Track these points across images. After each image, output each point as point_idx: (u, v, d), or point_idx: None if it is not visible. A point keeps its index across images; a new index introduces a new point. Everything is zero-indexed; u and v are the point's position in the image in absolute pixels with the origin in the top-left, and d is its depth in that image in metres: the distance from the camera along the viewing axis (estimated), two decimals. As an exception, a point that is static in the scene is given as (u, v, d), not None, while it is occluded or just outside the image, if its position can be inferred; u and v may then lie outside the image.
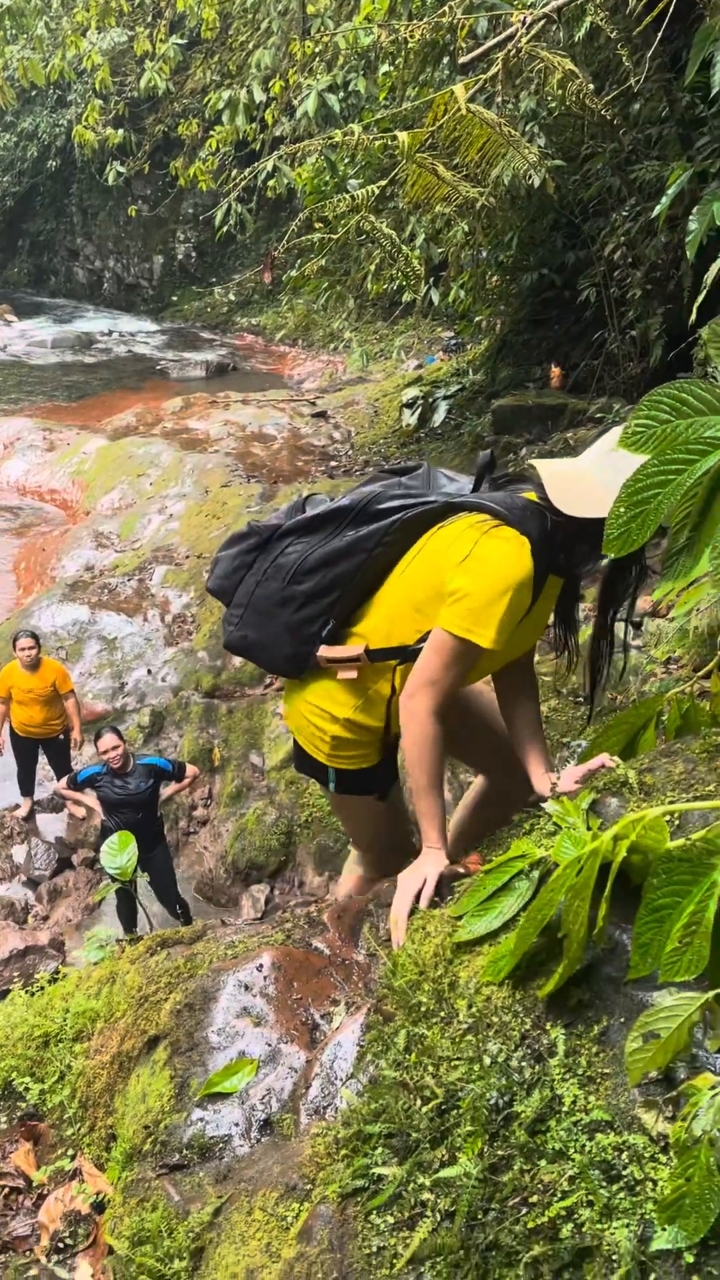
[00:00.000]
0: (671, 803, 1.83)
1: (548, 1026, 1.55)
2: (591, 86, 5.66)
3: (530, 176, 6.43)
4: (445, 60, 7.81)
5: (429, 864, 2.21)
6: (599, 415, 8.88)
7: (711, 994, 1.37)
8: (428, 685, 2.20)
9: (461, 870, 2.19)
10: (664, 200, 5.29)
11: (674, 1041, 1.37)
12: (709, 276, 4.18)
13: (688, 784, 1.86)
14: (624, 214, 8.66)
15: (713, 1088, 1.32)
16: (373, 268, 7.33)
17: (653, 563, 2.29)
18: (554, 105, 8.00)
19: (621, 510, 1.75)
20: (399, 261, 5.58)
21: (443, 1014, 1.69)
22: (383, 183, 5.05)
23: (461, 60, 5.37)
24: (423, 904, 2.11)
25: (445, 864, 2.21)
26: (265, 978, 2.14)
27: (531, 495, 2.31)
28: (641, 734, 2.41)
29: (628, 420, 1.78)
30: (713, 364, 5.35)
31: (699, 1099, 1.32)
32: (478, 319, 11.12)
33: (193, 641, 9.06)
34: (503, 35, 4.99)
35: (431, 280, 8.37)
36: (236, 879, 7.43)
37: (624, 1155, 1.35)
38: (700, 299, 5.13)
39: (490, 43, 5.19)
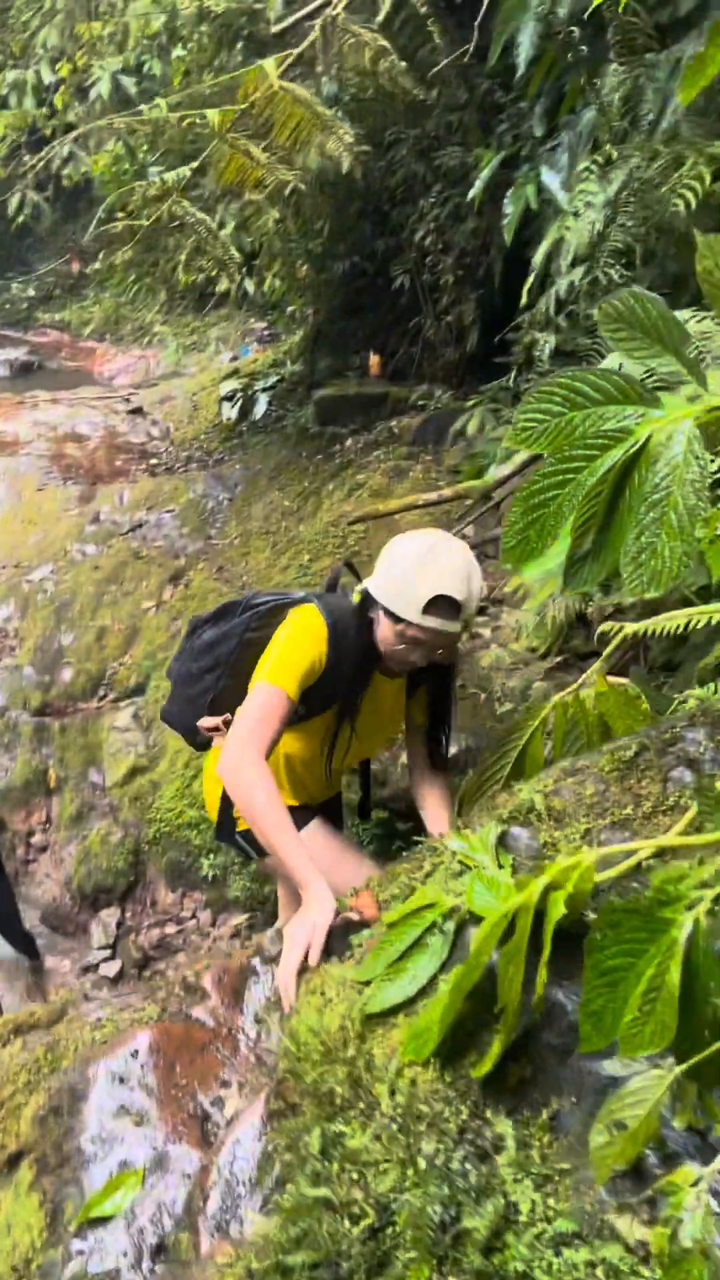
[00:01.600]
0: (587, 830, 1.64)
1: (489, 1115, 1.33)
2: (404, 64, 5.49)
3: (340, 160, 6.22)
4: (240, 45, 7.51)
5: (314, 910, 1.98)
6: (421, 402, 8.80)
7: (680, 1069, 1.19)
8: (247, 737, 2.29)
9: (355, 916, 1.96)
10: (477, 184, 5.18)
11: (644, 1130, 1.18)
12: (537, 258, 4.08)
13: (602, 808, 1.68)
14: (431, 200, 8.58)
15: (695, 1183, 1.13)
16: (183, 257, 6.97)
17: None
18: (354, 89, 7.81)
19: (516, 517, 1.55)
20: (215, 248, 5.27)
21: (361, 1105, 1.45)
22: (194, 165, 4.72)
23: (274, 29, 5.11)
24: (312, 959, 1.88)
25: (334, 906, 1.99)
26: (142, 1065, 1.85)
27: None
28: (529, 746, 2.24)
29: (515, 416, 1.58)
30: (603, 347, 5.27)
31: (680, 1198, 1.13)
32: (290, 309, 10.88)
33: (16, 658, 8.49)
34: (314, 5, 4.74)
35: (244, 270, 8.08)
36: (84, 905, 6.98)
37: (599, 1272, 1.15)
38: (530, 281, 5.05)
39: (300, 12, 4.94)
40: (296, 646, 2.44)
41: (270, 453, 9.65)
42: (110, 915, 6.93)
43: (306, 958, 1.88)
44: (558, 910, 1.34)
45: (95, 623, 8.58)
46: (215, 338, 10.51)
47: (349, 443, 8.88)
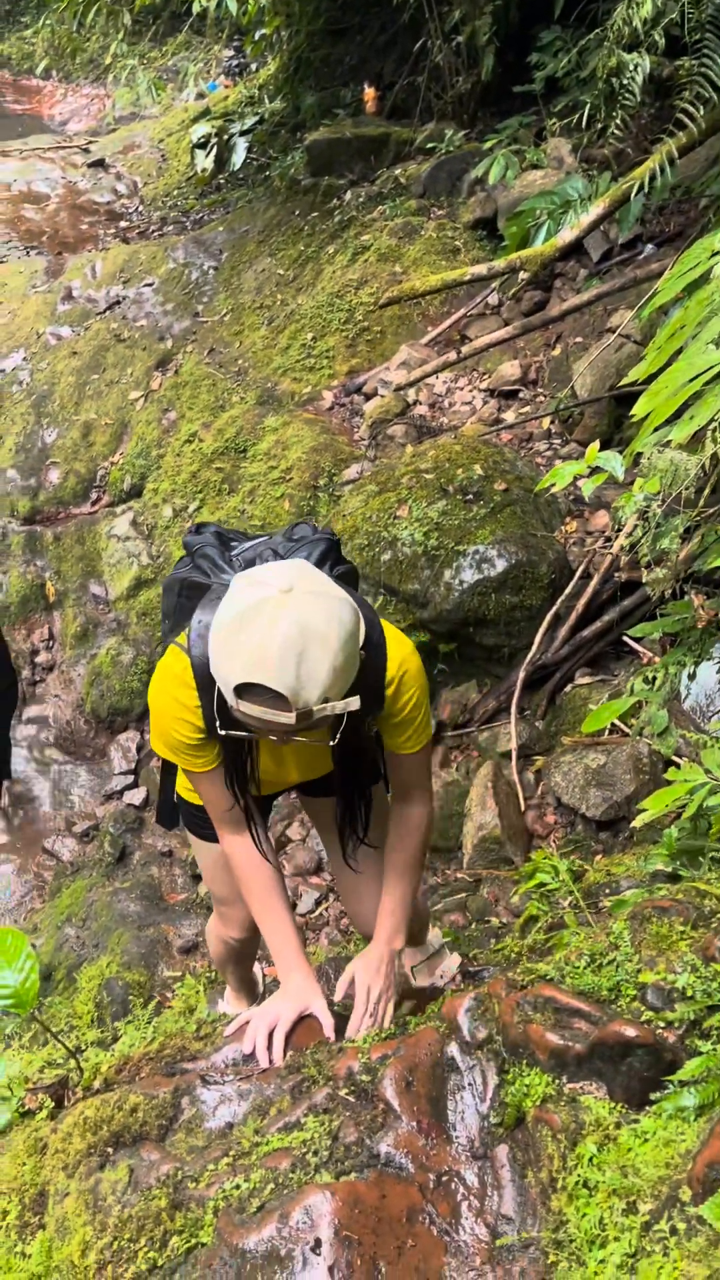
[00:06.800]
0: None
1: None
2: None
3: None
4: None
5: (280, 1000, 1.68)
6: (430, 145, 7.33)
7: None
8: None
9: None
10: None
11: None
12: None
13: None
14: None
15: None
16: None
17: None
18: None
19: None
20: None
21: None
22: None
23: None
24: (261, 1056, 1.54)
25: (308, 1002, 1.67)
26: (331, 1267, 1.18)
27: None
28: None
29: None
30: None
31: None
32: (263, 32, 9.03)
33: (-3, 458, 7.46)
34: None
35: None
36: (99, 729, 6.38)
37: None
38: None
39: None
40: (157, 714, 1.87)
41: (257, 210, 8.21)
42: (129, 739, 6.34)
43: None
44: None
45: (79, 417, 7.50)
46: (182, 72, 8.72)
47: (348, 196, 7.49)
